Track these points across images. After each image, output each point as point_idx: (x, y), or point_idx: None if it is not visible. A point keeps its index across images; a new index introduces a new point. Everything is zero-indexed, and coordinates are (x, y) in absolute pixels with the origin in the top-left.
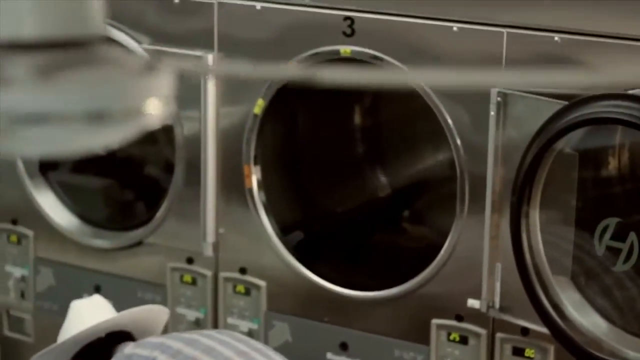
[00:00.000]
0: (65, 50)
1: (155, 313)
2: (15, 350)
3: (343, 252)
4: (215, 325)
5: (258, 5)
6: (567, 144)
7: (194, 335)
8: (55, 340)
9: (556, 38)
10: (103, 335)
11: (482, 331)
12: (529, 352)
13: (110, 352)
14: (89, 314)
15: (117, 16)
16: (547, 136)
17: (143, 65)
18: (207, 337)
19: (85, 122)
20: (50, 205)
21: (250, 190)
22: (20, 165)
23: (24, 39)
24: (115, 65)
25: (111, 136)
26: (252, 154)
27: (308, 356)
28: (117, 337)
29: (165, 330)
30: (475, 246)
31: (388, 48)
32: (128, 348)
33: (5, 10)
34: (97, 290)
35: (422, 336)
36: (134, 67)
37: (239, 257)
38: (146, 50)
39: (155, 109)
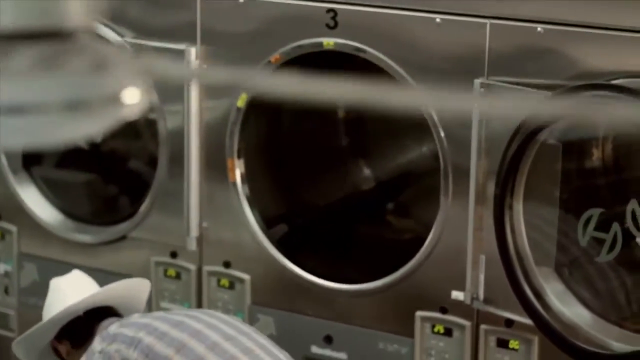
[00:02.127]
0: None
1: (137, 286)
2: (0, 346)
3: (327, 245)
4: None
5: None
6: (551, 135)
7: (181, 317)
8: None
9: (539, 29)
10: (81, 314)
11: (467, 323)
12: (513, 344)
13: (93, 329)
14: (69, 291)
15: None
16: (530, 128)
17: (121, 56)
18: (194, 320)
19: (65, 112)
20: (34, 200)
21: (234, 183)
22: (4, 161)
23: (3, 30)
24: (93, 56)
25: (91, 126)
26: (236, 147)
27: (292, 349)
28: (99, 312)
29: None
30: (459, 238)
31: (371, 40)
32: (113, 327)
33: None
34: None
35: (406, 328)
36: (113, 58)
37: (223, 250)
38: (128, 43)
39: (133, 99)
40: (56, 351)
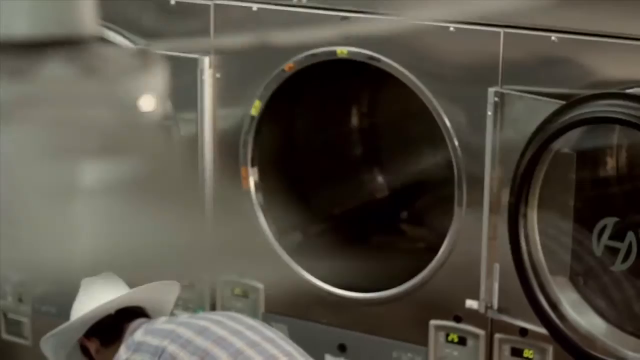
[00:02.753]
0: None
1: (167, 287)
2: (13, 353)
3: (341, 253)
4: None
5: (254, 7)
6: (565, 144)
7: (206, 322)
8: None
9: (553, 38)
10: (113, 312)
11: (481, 332)
12: (527, 353)
13: (123, 328)
14: (100, 291)
15: (113, 17)
16: (545, 136)
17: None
18: (219, 326)
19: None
20: None
21: (248, 192)
22: None
23: (18, 38)
24: (109, 63)
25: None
26: (250, 155)
27: None
28: (128, 313)
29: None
30: (473, 247)
31: (385, 49)
32: (138, 334)
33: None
34: None
35: (420, 337)
36: (128, 65)
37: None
38: (141, 51)
39: (149, 107)
40: (84, 349)
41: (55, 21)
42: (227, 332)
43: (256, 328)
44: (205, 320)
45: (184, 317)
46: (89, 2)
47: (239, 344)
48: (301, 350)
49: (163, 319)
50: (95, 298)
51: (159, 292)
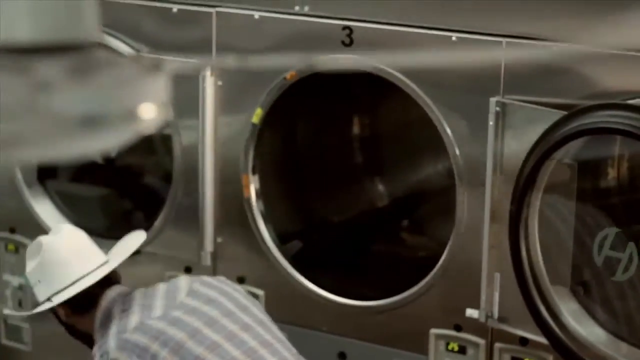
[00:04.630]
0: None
1: (135, 236)
2: (13, 359)
3: (342, 261)
4: None
5: (256, 15)
6: (566, 154)
7: (198, 322)
8: (53, 350)
9: (555, 48)
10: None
11: (481, 341)
12: None
13: (96, 295)
14: (71, 258)
15: (115, 24)
16: (546, 146)
17: (139, 70)
18: (212, 330)
19: (80, 126)
20: (48, 214)
21: (249, 199)
22: (19, 175)
23: (20, 42)
24: (111, 70)
25: (106, 141)
26: (251, 163)
27: None
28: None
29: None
30: (474, 256)
31: (387, 57)
32: (127, 333)
33: (2, 13)
34: None
35: (420, 346)
36: (130, 72)
37: (237, 266)
38: (143, 57)
39: (150, 114)
40: (54, 313)
41: (57, 26)
42: (222, 337)
43: (251, 328)
44: (198, 313)
45: (175, 307)
46: (92, 8)
47: (234, 352)
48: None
49: (139, 296)
50: (68, 269)
51: (126, 243)
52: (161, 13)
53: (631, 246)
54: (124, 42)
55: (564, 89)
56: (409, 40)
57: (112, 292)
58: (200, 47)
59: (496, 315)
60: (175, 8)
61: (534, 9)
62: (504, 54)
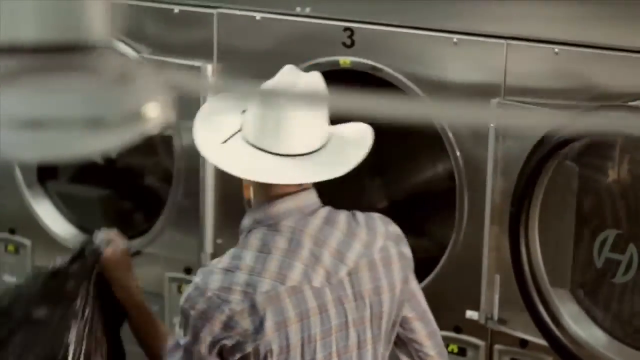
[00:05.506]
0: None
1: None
2: None
3: None
4: None
5: (258, 16)
6: (567, 155)
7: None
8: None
9: (556, 50)
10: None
11: (481, 343)
12: None
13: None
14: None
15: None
16: (547, 148)
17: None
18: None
19: (81, 127)
20: (48, 214)
21: (249, 201)
22: (19, 175)
23: (24, 44)
24: (112, 71)
25: (107, 141)
26: None
27: None
28: None
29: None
30: (474, 258)
31: (388, 59)
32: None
33: (6, 13)
34: None
35: None
36: (131, 73)
37: None
38: (145, 59)
39: (152, 114)
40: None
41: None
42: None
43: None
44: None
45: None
46: (99, 9)
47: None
48: None
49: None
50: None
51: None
52: (162, 14)
53: (631, 248)
54: (126, 43)
55: (565, 92)
56: (410, 41)
57: (292, 203)
58: (202, 48)
59: (496, 317)
60: (176, 9)
61: (535, 11)
62: (505, 56)
